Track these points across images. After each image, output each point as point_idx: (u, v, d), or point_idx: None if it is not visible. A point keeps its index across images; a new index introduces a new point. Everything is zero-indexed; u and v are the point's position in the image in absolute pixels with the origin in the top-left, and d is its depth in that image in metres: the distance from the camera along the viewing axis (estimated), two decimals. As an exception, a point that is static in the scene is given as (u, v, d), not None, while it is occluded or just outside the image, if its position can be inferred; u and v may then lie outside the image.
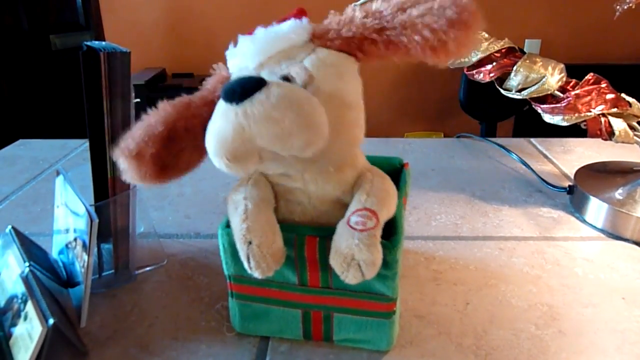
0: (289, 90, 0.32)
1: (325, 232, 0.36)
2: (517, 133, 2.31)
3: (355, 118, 0.37)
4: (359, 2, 0.64)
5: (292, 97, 0.32)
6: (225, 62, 0.40)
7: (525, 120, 2.22)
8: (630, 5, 0.60)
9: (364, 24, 0.36)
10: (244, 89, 0.32)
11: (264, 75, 0.35)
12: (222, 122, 0.32)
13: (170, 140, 0.37)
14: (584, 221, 0.63)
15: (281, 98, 0.31)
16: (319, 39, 0.37)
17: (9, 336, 0.39)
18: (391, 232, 0.37)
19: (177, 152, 0.38)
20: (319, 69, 0.35)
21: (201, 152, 0.38)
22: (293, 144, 0.32)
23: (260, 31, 0.37)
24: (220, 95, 0.33)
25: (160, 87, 2.39)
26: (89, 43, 0.43)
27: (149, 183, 0.38)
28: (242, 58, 0.37)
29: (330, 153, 0.36)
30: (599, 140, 0.62)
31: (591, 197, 0.62)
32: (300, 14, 0.38)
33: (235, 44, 0.38)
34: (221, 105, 0.33)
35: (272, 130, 0.31)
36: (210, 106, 0.35)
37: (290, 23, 0.37)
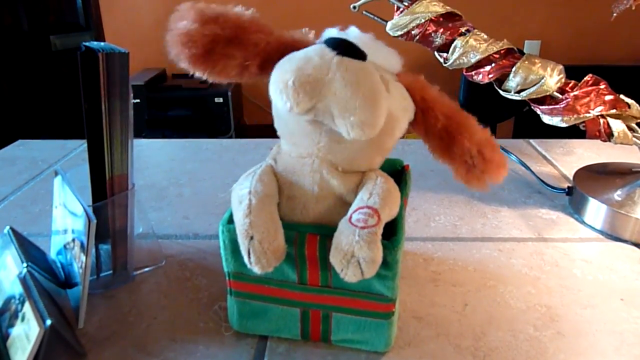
0: (381, 79, 0.35)
1: (326, 231, 0.36)
2: (517, 134, 2.31)
3: (388, 149, 0.40)
4: (358, 3, 0.64)
5: (379, 84, 0.35)
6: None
7: (525, 121, 2.22)
8: (628, 6, 0.60)
9: (446, 106, 0.40)
10: (353, 48, 0.35)
11: None
12: (314, 55, 0.34)
13: (230, 44, 0.37)
14: (582, 222, 0.63)
15: (374, 76, 0.34)
16: (403, 78, 0.40)
17: (6, 337, 0.39)
18: (392, 232, 0.37)
19: (228, 54, 0.37)
20: (396, 90, 0.38)
21: (237, 75, 0.39)
22: (353, 113, 0.33)
23: (369, 35, 0.39)
24: (323, 40, 0.36)
25: (160, 87, 2.39)
26: (87, 44, 0.43)
27: (185, 59, 0.37)
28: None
29: (350, 156, 0.38)
30: (598, 141, 0.61)
31: (590, 198, 0.62)
32: None
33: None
34: (322, 46, 0.35)
35: (348, 90, 0.33)
36: (278, 51, 0.38)
37: (392, 51, 0.41)
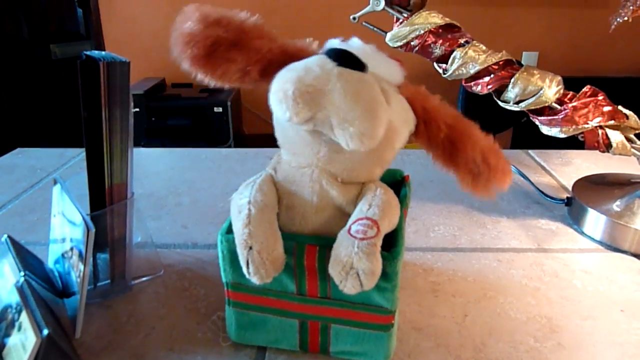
0: (379, 88, 0.35)
1: (325, 242, 0.36)
2: (515, 144, 2.32)
3: (388, 161, 0.40)
4: (357, 14, 0.64)
5: (379, 96, 0.35)
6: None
7: (523, 132, 2.23)
8: (625, 18, 0.61)
9: (446, 115, 0.40)
10: (353, 59, 0.35)
11: None
12: (314, 65, 0.35)
13: (233, 49, 0.37)
14: (582, 233, 0.63)
15: (374, 87, 0.35)
16: (405, 90, 0.40)
17: (2, 347, 0.39)
18: (391, 243, 0.37)
19: (228, 60, 0.38)
20: (396, 101, 0.38)
21: (239, 79, 0.38)
22: (352, 125, 0.33)
23: (370, 46, 0.39)
24: (324, 51, 0.36)
25: (159, 96, 2.40)
26: (88, 52, 0.43)
27: (186, 63, 0.37)
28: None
29: (349, 167, 0.38)
30: (597, 152, 0.62)
31: (589, 208, 0.62)
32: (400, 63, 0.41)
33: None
34: (320, 57, 0.35)
35: (348, 101, 0.33)
36: (281, 59, 0.38)
37: (393, 62, 0.40)
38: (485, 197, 0.40)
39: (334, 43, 0.40)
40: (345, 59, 0.35)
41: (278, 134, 0.40)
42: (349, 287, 0.34)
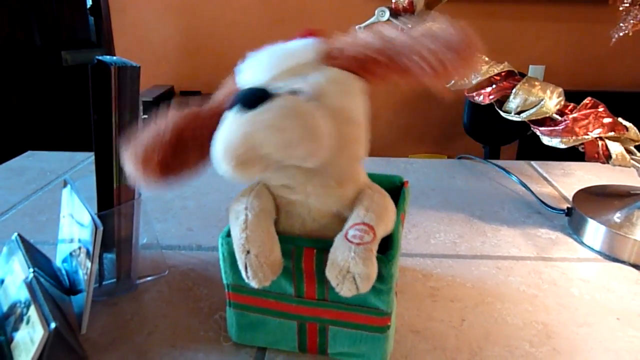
0: (294, 101, 0.34)
1: (323, 245, 0.37)
2: (521, 157, 2.32)
3: (358, 134, 0.38)
4: (363, 24, 0.66)
5: (296, 109, 0.33)
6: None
7: (528, 145, 2.23)
8: (626, 32, 0.62)
9: (367, 43, 0.37)
10: (253, 98, 0.33)
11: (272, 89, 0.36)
12: (231, 128, 0.34)
13: (177, 148, 0.38)
14: (581, 243, 0.64)
15: (286, 108, 0.33)
16: (325, 57, 0.38)
17: (10, 340, 0.40)
18: (387, 246, 0.38)
19: (183, 159, 0.38)
20: (324, 85, 0.36)
21: (205, 161, 0.39)
22: (296, 152, 0.33)
23: (267, 49, 0.38)
24: (228, 105, 0.34)
25: (167, 104, 2.43)
26: (100, 57, 0.45)
27: (153, 187, 0.38)
28: (250, 74, 0.38)
29: (333, 167, 0.38)
30: (598, 164, 0.62)
31: (589, 219, 0.63)
32: (308, 34, 0.40)
33: (244, 61, 0.39)
34: (230, 114, 0.34)
35: (276, 138, 0.33)
36: (217, 117, 0.36)
37: (297, 42, 0.39)
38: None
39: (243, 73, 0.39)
40: (248, 103, 0.33)
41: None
42: (345, 290, 0.35)
